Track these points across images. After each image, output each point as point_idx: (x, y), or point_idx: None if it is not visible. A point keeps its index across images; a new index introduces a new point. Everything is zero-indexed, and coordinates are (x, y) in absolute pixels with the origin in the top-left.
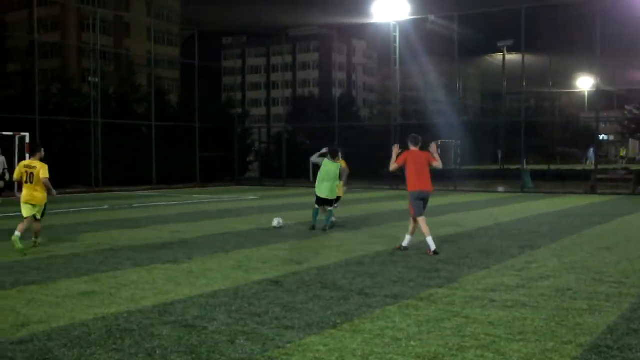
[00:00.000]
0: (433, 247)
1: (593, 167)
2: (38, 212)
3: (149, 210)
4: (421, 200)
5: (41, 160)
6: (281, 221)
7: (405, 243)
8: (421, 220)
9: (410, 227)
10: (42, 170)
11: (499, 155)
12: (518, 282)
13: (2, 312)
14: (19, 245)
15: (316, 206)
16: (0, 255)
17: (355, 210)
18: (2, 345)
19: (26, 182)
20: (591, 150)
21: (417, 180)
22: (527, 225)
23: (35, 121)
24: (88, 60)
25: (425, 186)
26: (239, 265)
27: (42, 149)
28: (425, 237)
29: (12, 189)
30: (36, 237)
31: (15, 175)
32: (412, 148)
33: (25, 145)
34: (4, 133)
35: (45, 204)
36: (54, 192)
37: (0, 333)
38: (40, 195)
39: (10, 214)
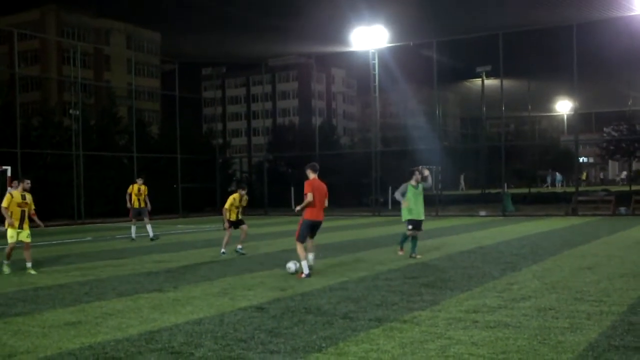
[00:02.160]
0: (306, 270)
1: (554, 189)
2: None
3: (133, 241)
4: (311, 229)
5: (25, 190)
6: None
7: (306, 270)
8: (300, 245)
9: (303, 253)
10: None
11: (461, 181)
12: (500, 303)
13: None
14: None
15: (409, 232)
16: None
17: (338, 236)
18: None
19: None
20: (557, 173)
21: (317, 210)
22: (508, 248)
23: (17, 154)
24: (69, 93)
25: (321, 216)
26: (223, 293)
27: (24, 180)
28: (300, 261)
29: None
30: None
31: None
32: (312, 176)
33: (7, 178)
34: None
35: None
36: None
37: None
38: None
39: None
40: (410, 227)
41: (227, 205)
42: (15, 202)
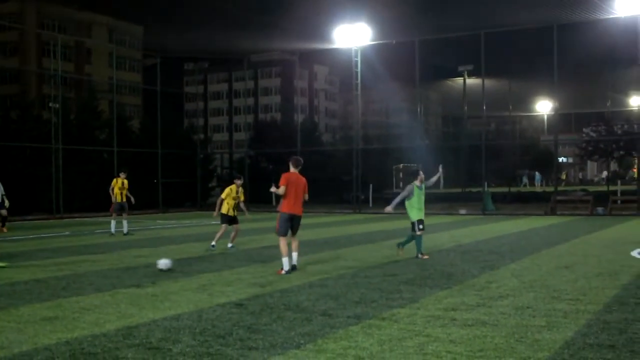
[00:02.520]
0: (286, 267)
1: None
2: None
3: (112, 235)
4: (290, 222)
5: None
6: (166, 263)
7: (285, 267)
8: (282, 240)
9: (285, 249)
10: None
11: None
12: (478, 301)
13: None
14: None
15: (419, 232)
16: None
17: (318, 233)
18: None
19: None
20: (536, 173)
21: (292, 204)
22: (487, 246)
23: None
24: (48, 86)
25: (297, 210)
26: (202, 289)
27: None
28: (281, 256)
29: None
30: None
31: None
32: (292, 170)
33: None
34: None
35: None
36: None
37: None
38: None
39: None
40: (421, 227)
41: (223, 195)
42: None
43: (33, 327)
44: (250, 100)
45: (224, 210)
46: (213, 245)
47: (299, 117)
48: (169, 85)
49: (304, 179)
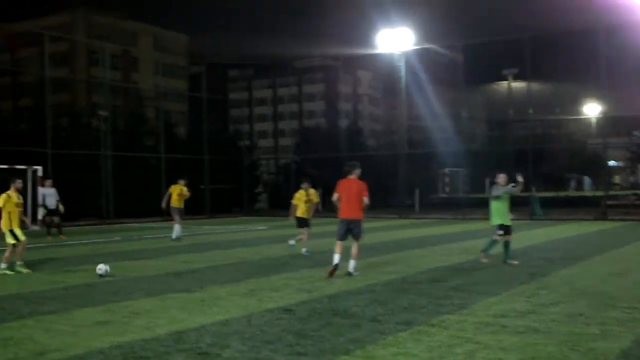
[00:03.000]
0: (335, 260)
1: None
2: (8, 238)
3: (160, 241)
4: (344, 226)
5: (17, 191)
6: (104, 268)
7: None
8: (337, 243)
9: (337, 248)
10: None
11: (487, 184)
12: (529, 308)
13: (21, 341)
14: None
15: (498, 237)
16: (18, 285)
17: (365, 238)
18: None
19: None
20: (585, 177)
21: (344, 208)
22: (537, 252)
23: (46, 155)
24: (97, 95)
25: (350, 214)
26: (250, 294)
27: (17, 181)
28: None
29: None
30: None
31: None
32: (348, 176)
33: (38, 178)
34: (17, 167)
35: (10, 230)
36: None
37: None
38: (2, 223)
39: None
40: (501, 232)
41: (293, 201)
42: (13, 202)
43: (87, 331)
44: (295, 106)
45: (298, 213)
46: (292, 244)
47: (343, 123)
48: (214, 92)
49: (358, 184)
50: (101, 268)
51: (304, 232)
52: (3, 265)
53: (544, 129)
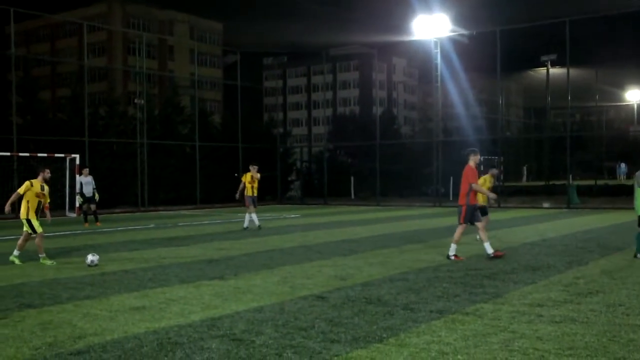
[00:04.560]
0: (451, 252)
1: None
2: (24, 227)
3: (194, 228)
4: (476, 210)
5: (45, 181)
6: (93, 259)
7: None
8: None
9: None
10: (21, 189)
11: (524, 172)
12: (566, 298)
13: (60, 325)
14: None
15: None
16: (56, 271)
17: (398, 226)
18: (61, 356)
19: None
20: (622, 164)
21: (460, 195)
22: (574, 241)
23: (84, 143)
24: (134, 83)
25: (460, 200)
26: (284, 281)
27: (46, 170)
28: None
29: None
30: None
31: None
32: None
33: (76, 166)
34: (56, 155)
35: (27, 220)
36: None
37: (59, 344)
38: (21, 211)
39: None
40: None
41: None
42: (34, 191)
43: (123, 316)
44: (329, 94)
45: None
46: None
47: (378, 110)
48: (249, 80)
49: (467, 169)
50: (89, 258)
51: (485, 220)
52: (16, 252)
53: (583, 116)
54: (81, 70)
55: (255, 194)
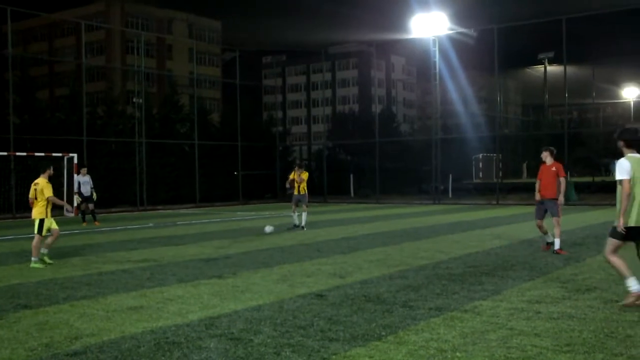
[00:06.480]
0: (548, 240)
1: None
2: (35, 227)
3: (193, 227)
4: (540, 205)
5: (50, 178)
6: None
7: (555, 244)
8: (537, 222)
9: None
10: (46, 189)
11: (524, 169)
12: (564, 294)
13: (56, 325)
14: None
15: None
16: (53, 271)
17: (397, 224)
18: (57, 357)
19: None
20: (615, 161)
21: (541, 189)
22: (572, 237)
23: (82, 142)
24: (132, 82)
25: (545, 194)
26: (282, 280)
27: (50, 168)
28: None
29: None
30: (45, 250)
31: (30, 195)
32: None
33: (74, 165)
34: (54, 154)
35: (42, 219)
36: (68, 206)
37: (56, 345)
38: (35, 211)
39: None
40: None
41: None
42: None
43: (120, 316)
44: (328, 92)
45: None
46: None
47: (377, 108)
48: (248, 79)
49: (556, 166)
50: (267, 229)
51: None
52: (44, 250)
53: (580, 114)
54: (79, 70)
55: (302, 193)
